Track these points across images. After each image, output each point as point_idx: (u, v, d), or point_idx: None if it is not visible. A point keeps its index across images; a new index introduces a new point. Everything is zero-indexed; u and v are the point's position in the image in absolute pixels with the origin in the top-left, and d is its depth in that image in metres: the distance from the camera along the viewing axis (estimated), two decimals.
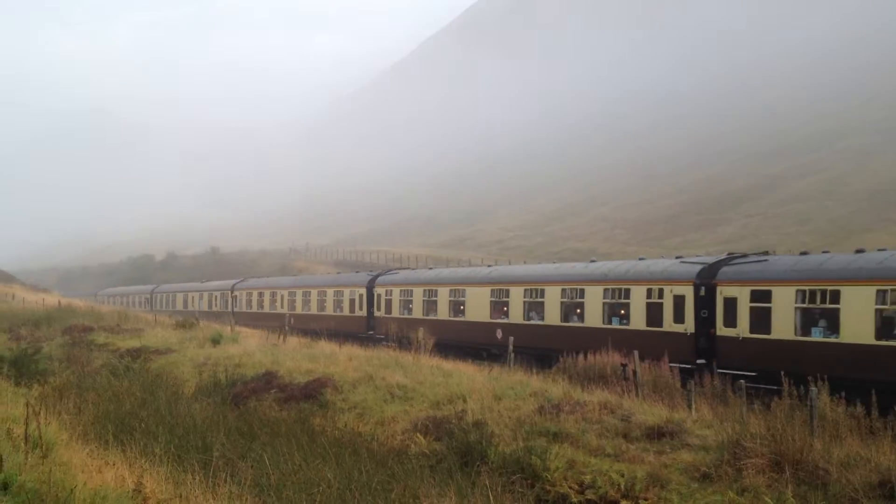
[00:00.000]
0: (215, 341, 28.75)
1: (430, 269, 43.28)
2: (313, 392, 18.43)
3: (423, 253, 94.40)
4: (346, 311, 42.49)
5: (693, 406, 15.40)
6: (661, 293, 24.26)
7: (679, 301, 23.66)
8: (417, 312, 36.31)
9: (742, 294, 21.94)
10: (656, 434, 13.19)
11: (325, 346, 26.27)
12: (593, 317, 26.65)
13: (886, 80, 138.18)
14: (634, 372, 17.86)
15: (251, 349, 26.11)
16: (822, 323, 20.17)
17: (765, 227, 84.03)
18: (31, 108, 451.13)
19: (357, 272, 49.31)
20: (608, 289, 26.28)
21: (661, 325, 24.12)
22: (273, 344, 27.68)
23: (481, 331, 31.80)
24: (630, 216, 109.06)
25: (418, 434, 14.63)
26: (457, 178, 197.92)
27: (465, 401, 16.17)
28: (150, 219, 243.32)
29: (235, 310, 52.82)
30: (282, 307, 48.20)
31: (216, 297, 59.30)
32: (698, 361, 22.43)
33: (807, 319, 20.41)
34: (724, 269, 23.10)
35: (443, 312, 34.77)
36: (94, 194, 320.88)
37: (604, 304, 26.35)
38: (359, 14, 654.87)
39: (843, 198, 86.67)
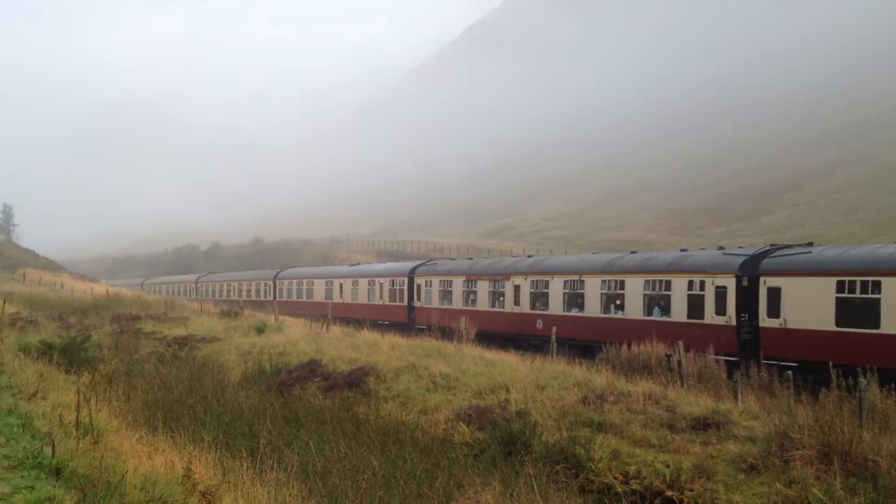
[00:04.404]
0: (260, 330, 29.06)
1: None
2: (356, 381, 18.52)
3: (464, 243, 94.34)
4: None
5: (739, 397, 15.23)
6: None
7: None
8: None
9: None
10: (702, 425, 13.07)
11: (368, 336, 26.39)
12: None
13: None
14: (679, 362, 17.70)
15: (295, 338, 26.31)
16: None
17: (811, 216, 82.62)
18: (73, 103, 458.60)
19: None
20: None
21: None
22: (316, 333, 27.88)
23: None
24: (673, 206, 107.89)
25: (461, 423, 14.64)
26: (497, 168, 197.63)
27: (507, 390, 16.15)
28: (195, 209, 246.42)
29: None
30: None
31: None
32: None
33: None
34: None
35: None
36: (140, 186, 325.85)
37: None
38: (399, 4, 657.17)
39: (894, 186, 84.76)
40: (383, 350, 22.03)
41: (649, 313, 26.08)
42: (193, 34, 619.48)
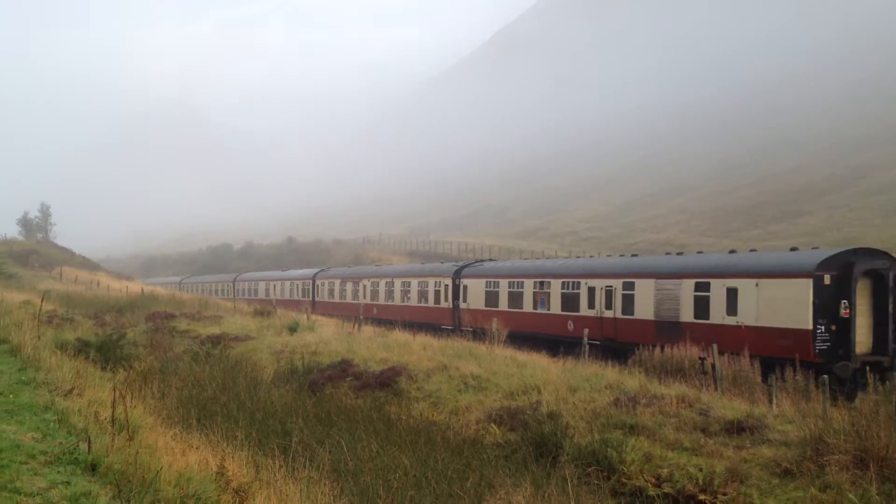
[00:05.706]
0: (292, 329, 29.24)
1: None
2: (388, 380, 18.57)
3: (496, 244, 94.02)
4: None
5: (774, 401, 15.05)
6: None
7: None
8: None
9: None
10: (736, 429, 12.94)
11: (399, 336, 26.46)
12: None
13: None
14: (713, 365, 17.55)
15: (327, 337, 26.44)
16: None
17: (849, 219, 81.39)
18: (107, 106, 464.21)
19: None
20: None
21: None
22: (348, 333, 27.99)
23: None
24: (708, 207, 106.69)
25: (493, 424, 14.63)
26: (531, 170, 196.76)
27: (539, 392, 16.11)
28: (224, 209, 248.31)
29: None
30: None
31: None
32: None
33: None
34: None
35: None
36: (171, 186, 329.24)
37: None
38: (428, 8, 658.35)
39: None
40: (415, 350, 22.08)
41: (419, 301, 41.43)
42: (225, 38, 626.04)
